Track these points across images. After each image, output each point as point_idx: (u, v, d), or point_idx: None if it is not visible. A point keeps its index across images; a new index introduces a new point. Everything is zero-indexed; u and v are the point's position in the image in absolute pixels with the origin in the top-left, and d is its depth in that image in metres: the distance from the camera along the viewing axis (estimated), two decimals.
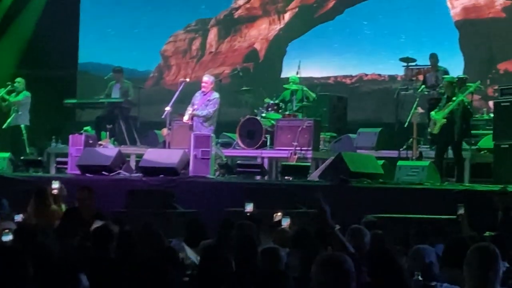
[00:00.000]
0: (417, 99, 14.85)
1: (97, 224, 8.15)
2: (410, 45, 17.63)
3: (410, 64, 16.14)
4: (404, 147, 14.74)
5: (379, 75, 18.67)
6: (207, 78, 15.08)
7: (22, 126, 16.49)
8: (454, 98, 13.67)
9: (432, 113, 13.92)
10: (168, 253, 6.90)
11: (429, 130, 14.15)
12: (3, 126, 16.61)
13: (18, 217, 8.82)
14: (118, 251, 6.73)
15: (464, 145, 14.45)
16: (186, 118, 14.71)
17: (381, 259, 5.60)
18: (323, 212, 6.17)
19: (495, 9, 17.70)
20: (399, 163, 13.54)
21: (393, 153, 14.77)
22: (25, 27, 20.39)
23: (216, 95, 14.86)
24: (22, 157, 15.80)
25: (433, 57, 15.74)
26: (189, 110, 14.76)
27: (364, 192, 12.15)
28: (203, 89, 14.86)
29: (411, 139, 14.44)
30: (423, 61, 16.02)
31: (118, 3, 21.07)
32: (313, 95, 16.10)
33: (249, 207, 9.58)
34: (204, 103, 14.72)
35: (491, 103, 15.75)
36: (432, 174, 13.06)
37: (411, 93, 15.64)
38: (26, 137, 16.50)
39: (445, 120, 13.60)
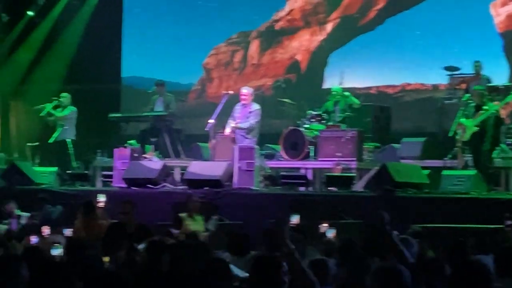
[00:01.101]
0: (462, 108, 14.76)
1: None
2: (454, 53, 17.52)
3: (454, 72, 16.05)
4: (449, 156, 14.64)
5: (422, 84, 18.56)
6: (246, 90, 15.08)
7: (68, 140, 16.66)
8: (485, 107, 13.58)
9: (463, 120, 13.84)
10: (215, 264, 6.92)
11: (457, 137, 14.05)
12: (50, 141, 16.80)
13: (67, 231, 8.91)
14: (169, 263, 6.76)
15: (510, 153, 14.34)
16: (227, 131, 14.72)
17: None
18: (381, 219, 6.09)
19: None
20: (445, 172, 13.46)
21: (438, 163, 14.67)
22: (70, 43, 20.66)
23: (257, 106, 14.86)
24: (68, 171, 15.99)
25: (477, 65, 15.64)
26: (230, 123, 14.76)
27: (410, 202, 12.10)
28: (243, 102, 14.84)
29: (456, 148, 14.35)
30: (467, 69, 15.93)
31: (160, 17, 21.21)
32: (357, 101, 16.05)
33: (295, 219, 9.58)
34: (246, 115, 14.72)
35: None
36: (478, 183, 12.97)
37: (455, 102, 15.55)
38: (72, 151, 16.67)
39: (477, 128, 13.53)
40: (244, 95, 14.86)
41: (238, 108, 14.86)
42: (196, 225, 11.52)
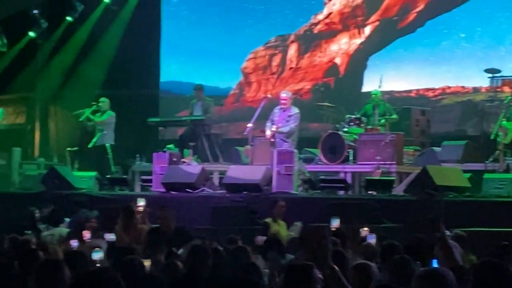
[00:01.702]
0: (503, 111, 14.58)
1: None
2: (495, 55, 17.34)
3: (495, 75, 15.89)
4: (491, 159, 14.48)
5: (463, 87, 18.39)
6: (285, 95, 15.08)
7: (107, 145, 16.72)
8: None
9: (504, 122, 13.69)
10: (252, 269, 6.88)
11: (498, 140, 13.89)
12: (89, 146, 16.88)
13: (109, 236, 8.92)
14: (211, 268, 6.75)
15: None
16: (268, 133, 14.71)
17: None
18: (438, 219, 5.97)
19: None
20: (486, 175, 13.32)
21: (479, 166, 14.52)
22: (108, 48, 20.77)
23: (296, 110, 14.85)
24: (107, 176, 16.04)
25: None
26: (269, 127, 14.75)
27: (451, 206, 11.96)
28: (282, 106, 14.84)
29: (497, 151, 14.18)
30: (509, 71, 15.76)
31: (198, 21, 21.25)
32: (395, 116, 15.88)
33: (336, 223, 9.50)
34: (285, 119, 14.70)
35: None
36: None
37: (496, 104, 15.38)
38: (111, 156, 16.73)
39: None
40: (284, 99, 14.86)
41: (276, 111, 14.86)
42: (280, 230, 11.47)
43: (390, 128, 15.43)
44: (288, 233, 11.43)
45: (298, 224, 11.37)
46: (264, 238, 10.27)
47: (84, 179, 15.79)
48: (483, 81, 17.02)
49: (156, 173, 15.10)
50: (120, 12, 20.80)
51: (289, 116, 14.72)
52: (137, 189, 15.85)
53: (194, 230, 10.70)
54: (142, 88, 20.66)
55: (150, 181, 15.29)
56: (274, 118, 14.83)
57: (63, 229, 10.96)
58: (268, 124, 14.82)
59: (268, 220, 11.69)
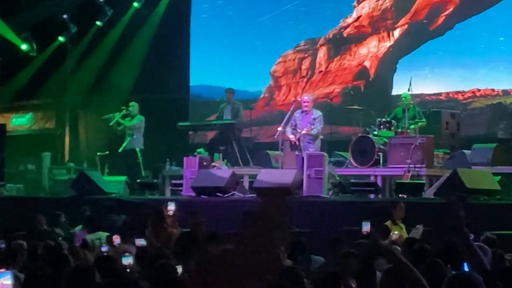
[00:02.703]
0: None
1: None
2: None
3: None
4: None
5: (492, 89, 18.29)
6: (307, 97, 15.06)
7: (137, 149, 16.77)
8: None
9: None
10: (285, 273, 6.88)
11: None
12: (119, 150, 16.93)
13: (140, 241, 8.96)
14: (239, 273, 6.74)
15: None
16: (292, 137, 14.67)
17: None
18: (461, 222, 5.93)
19: None
20: None
21: (509, 169, 14.43)
22: (138, 52, 20.86)
23: (319, 112, 14.83)
24: (138, 180, 16.09)
25: None
26: (290, 131, 14.67)
27: (482, 209, 11.89)
28: (305, 108, 14.79)
29: None
30: None
31: (228, 25, 21.29)
32: (424, 120, 15.79)
33: (366, 227, 9.48)
34: (309, 122, 14.66)
35: None
36: None
37: None
38: (141, 160, 16.78)
39: None
40: (306, 101, 14.82)
41: (298, 115, 14.79)
42: (401, 232, 11.32)
43: (420, 131, 15.36)
44: (410, 236, 11.26)
45: (420, 227, 11.19)
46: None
47: (114, 184, 15.84)
48: None
49: (186, 177, 15.13)
50: (149, 16, 20.88)
51: (314, 119, 14.67)
52: (167, 194, 15.89)
53: (225, 234, 10.71)
54: (172, 92, 20.73)
55: (180, 185, 15.32)
56: (296, 121, 14.76)
57: (103, 233, 11.00)
58: (289, 129, 14.75)
59: (388, 223, 11.44)
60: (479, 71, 18.28)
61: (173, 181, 16.01)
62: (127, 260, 7.29)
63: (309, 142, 14.60)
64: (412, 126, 15.46)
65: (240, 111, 16.96)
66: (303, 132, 14.54)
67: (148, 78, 20.51)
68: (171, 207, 11.24)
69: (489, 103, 18.34)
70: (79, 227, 12.44)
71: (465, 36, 18.50)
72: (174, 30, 20.82)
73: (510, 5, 18.01)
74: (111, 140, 18.11)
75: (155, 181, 16.34)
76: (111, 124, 16.99)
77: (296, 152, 14.62)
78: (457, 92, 18.73)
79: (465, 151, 15.62)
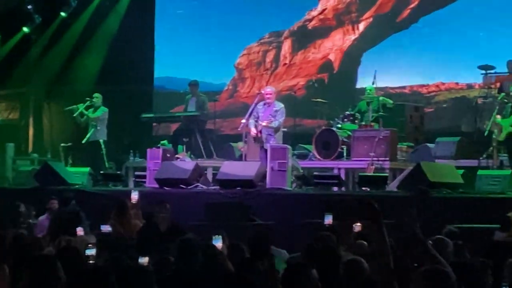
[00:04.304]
0: (497, 107, 14.58)
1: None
2: (488, 52, 17.35)
3: (488, 71, 15.90)
4: (484, 156, 14.50)
5: (457, 83, 18.42)
6: (270, 89, 15.03)
7: (101, 141, 16.71)
8: None
9: (499, 119, 13.71)
10: (248, 264, 6.89)
11: (493, 137, 13.91)
12: (83, 141, 16.85)
13: (107, 228, 8.94)
14: (202, 264, 6.74)
15: None
16: (253, 130, 14.64)
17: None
18: (412, 223, 5.96)
19: None
20: (480, 172, 13.33)
21: (472, 163, 14.54)
22: (102, 44, 20.75)
23: (281, 105, 14.80)
24: (101, 172, 16.02)
25: (511, 64, 15.46)
26: (252, 123, 14.64)
27: (444, 202, 11.98)
28: (268, 100, 14.75)
29: (491, 148, 14.20)
30: (502, 68, 15.77)
31: (192, 17, 21.23)
32: (390, 101, 15.96)
33: (329, 219, 9.51)
34: (271, 114, 14.64)
35: None
36: None
37: (490, 101, 15.41)
38: (105, 151, 16.72)
39: None
40: (269, 93, 14.78)
41: (260, 107, 14.75)
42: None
43: (384, 124, 15.43)
44: None
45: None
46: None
47: (77, 175, 15.74)
48: (477, 78, 17.04)
49: (150, 169, 15.09)
50: (114, 7, 20.76)
51: (276, 111, 14.63)
52: (131, 185, 15.84)
53: (188, 226, 10.70)
54: (136, 83, 20.62)
55: (143, 177, 15.28)
56: (258, 113, 14.72)
57: None
58: (252, 121, 14.72)
59: (510, 214, 11.08)
60: (443, 64, 18.39)
61: (137, 173, 15.97)
62: (90, 252, 7.25)
63: (270, 134, 14.57)
64: (374, 115, 15.50)
65: (206, 104, 16.95)
66: (263, 124, 14.52)
67: (112, 70, 20.40)
68: (135, 195, 11.24)
69: (453, 96, 18.46)
70: (42, 217, 12.38)
71: (430, 29, 18.60)
72: (138, 21, 20.71)
73: None
74: (74, 131, 18.00)
75: (118, 172, 16.28)
76: (74, 115, 16.90)
77: (259, 144, 14.62)
78: (421, 86, 18.83)
79: (428, 144, 15.72)
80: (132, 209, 11.02)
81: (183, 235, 7.98)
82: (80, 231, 9.05)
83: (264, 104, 14.73)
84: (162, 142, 16.21)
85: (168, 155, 15.34)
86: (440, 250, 7.10)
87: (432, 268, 4.76)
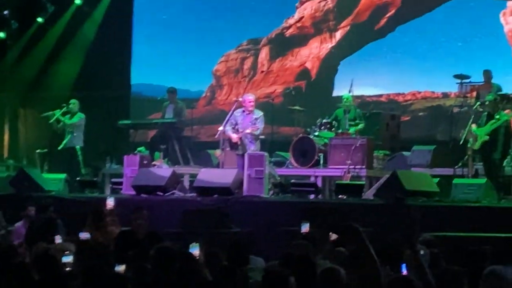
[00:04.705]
0: (472, 116, 14.69)
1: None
2: (464, 61, 17.49)
3: (464, 80, 16.01)
4: (460, 164, 14.58)
5: (432, 92, 18.54)
6: (252, 97, 15.06)
7: (77, 147, 16.67)
8: (497, 116, 13.55)
9: (474, 128, 13.80)
10: (226, 273, 6.90)
11: (468, 146, 14.00)
12: (58, 148, 16.79)
13: (84, 234, 8.92)
14: (180, 272, 6.74)
15: None
16: (234, 136, 14.65)
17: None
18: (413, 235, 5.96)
19: None
20: (455, 181, 13.40)
21: (448, 171, 14.62)
22: (79, 50, 20.69)
23: (261, 112, 14.85)
24: (77, 178, 15.96)
25: (487, 74, 15.59)
26: (231, 130, 14.65)
27: (420, 211, 12.02)
28: (250, 108, 14.78)
29: (466, 157, 14.29)
30: (477, 77, 15.90)
31: (170, 24, 21.22)
32: (362, 125, 15.81)
33: (305, 227, 9.53)
34: (251, 122, 14.68)
35: None
36: (488, 192, 12.90)
37: (465, 110, 15.51)
38: (81, 158, 16.68)
39: (488, 136, 13.50)
40: (251, 101, 14.82)
41: (239, 115, 14.76)
42: None
43: (360, 132, 15.49)
44: None
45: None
46: None
47: (53, 181, 15.67)
48: (452, 87, 17.14)
49: (127, 175, 15.07)
50: (91, 13, 20.70)
51: (255, 119, 14.68)
52: (107, 192, 15.79)
53: (166, 233, 10.68)
54: (113, 90, 20.58)
55: (120, 183, 15.25)
56: (237, 121, 14.73)
57: None
58: (229, 128, 14.72)
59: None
60: (419, 73, 18.51)
61: (113, 180, 15.93)
62: (67, 259, 7.23)
63: (251, 142, 14.62)
64: (352, 129, 15.56)
65: (184, 111, 16.98)
66: (248, 131, 14.53)
67: (89, 76, 20.34)
68: (111, 201, 11.20)
69: (428, 105, 18.58)
70: (19, 224, 12.33)
71: (406, 38, 18.71)
72: (116, 27, 20.68)
73: (451, 8, 18.26)
74: (51, 137, 17.92)
75: (95, 179, 16.23)
76: (50, 121, 16.84)
77: (237, 152, 14.64)
78: (398, 94, 18.93)
79: (404, 152, 15.80)
80: (109, 216, 10.96)
81: (160, 243, 7.98)
82: (57, 238, 9.02)
83: (243, 111, 14.76)
84: (139, 148, 16.19)
85: (145, 162, 15.33)
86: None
87: (397, 277, 4.79)
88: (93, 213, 10.63)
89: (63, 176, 15.91)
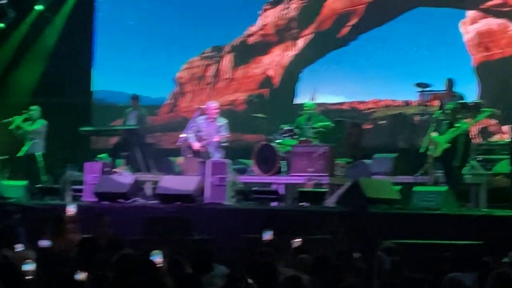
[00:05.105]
0: (433, 124, 14.80)
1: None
2: (425, 70, 17.63)
3: (424, 89, 16.13)
4: (420, 172, 14.69)
5: (393, 100, 18.68)
6: (215, 105, 15.06)
7: (38, 154, 16.55)
8: (457, 124, 13.68)
9: (435, 136, 13.91)
10: (189, 281, 6.89)
11: (428, 153, 14.11)
12: (19, 154, 16.66)
13: (44, 242, 8.86)
14: (142, 280, 6.72)
15: (480, 170, 14.46)
16: (197, 145, 14.63)
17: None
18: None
19: (509, 34, 17.70)
20: (416, 188, 13.49)
21: (409, 179, 14.71)
22: (41, 55, 20.54)
23: (225, 120, 14.86)
24: (38, 185, 15.84)
25: (449, 83, 15.72)
26: (193, 138, 14.62)
27: (382, 218, 12.10)
28: (214, 116, 14.77)
29: (427, 164, 14.39)
30: (438, 86, 16.03)
31: (132, 30, 21.16)
32: (328, 123, 16.02)
33: (268, 235, 9.55)
34: (216, 129, 14.68)
35: (506, 128, 15.74)
36: (449, 200, 12.99)
37: (426, 118, 15.63)
38: (42, 165, 16.56)
39: (448, 144, 13.62)
40: (216, 108, 14.83)
41: (202, 122, 14.74)
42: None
43: (322, 140, 15.55)
44: None
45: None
46: None
47: (13, 188, 15.55)
48: (413, 95, 17.27)
49: (88, 183, 14.99)
50: (53, 19, 20.58)
51: (220, 126, 14.68)
52: (68, 199, 15.68)
53: (128, 241, 10.63)
54: (75, 96, 20.47)
55: (81, 190, 15.17)
56: (200, 129, 14.71)
57: None
58: (192, 135, 14.69)
59: None
60: (381, 81, 18.62)
61: (74, 187, 15.82)
62: (28, 267, 7.17)
63: (216, 150, 14.62)
64: (313, 131, 15.58)
65: (146, 117, 16.96)
66: (215, 139, 14.50)
67: (50, 82, 20.21)
68: (72, 208, 11.14)
69: (390, 113, 18.69)
70: None
71: (368, 47, 18.83)
72: (77, 34, 20.58)
73: (412, 17, 18.41)
74: (11, 144, 17.75)
75: (55, 186, 16.11)
76: (11, 128, 16.70)
77: (200, 159, 14.62)
78: (359, 102, 19.04)
79: (366, 160, 15.88)
80: (70, 223, 10.90)
81: (122, 250, 7.95)
82: (18, 246, 8.94)
83: (207, 118, 14.74)
84: (100, 155, 16.12)
85: (107, 169, 15.28)
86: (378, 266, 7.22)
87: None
88: (53, 220, 10.57)
89: (23, 183, 15.79)
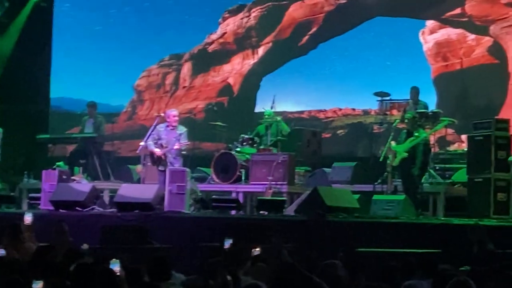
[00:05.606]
0: (392, 133, 14.86)
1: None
2: (385, 79, 17.73)
3: (384, 98, 16.21)
4: (379, 181, 14.73)
5: (353, 109, 18.76)
6: (175, 112, 14.94)
7: None
8: (416, 134, 13.74)
9: (393, 145, 13.97)
10: None
11: (387, 162, 14.17)
12: None
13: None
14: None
15: (438, 179, 14.54)
16: (158, 151, 14.51)
17: None
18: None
19: (467, 44, 17.87)
20: (375, 197, 13.53)
21: (368, 187, 14.75)
22: None
23: (184, 128, 14.76)
24: None
25: (415, 91, 15.77)
26: (153, 145, 14.50)
27: (341, 227, 12.10)
28: (174, 124, 14.67)
29: (386, 173, 14.44)
30: (397, 95, 16.11)
31: (91, 37, 21.03)
32: (287, 128, 16.09)
33: (227, 243, 9.50)
34: (176, 137, 14.59)
35: (464, 137, 15.85)
36: (407, 208, 13.06)
37: (385, 127, 15.70)
38: None
39: (406, 153, 13.68)
40: (176, 116, 14.71)
41: (162, 129, 14.63)
42: None
43: (282, 148, 15.55)
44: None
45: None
46: None
47: None
48: (372, 104, 17.35)
49: (45, 190, 14.84)
50: (10, 25, 20.37)
51: (180, 134, 14.59)
52: (25, 207, 15.52)
53: (84, 249, 10.52)
54: (32, 103, 20.26)
55: (38, 198, 15.00)
56: (161, 136, 14.60)
57: None
58: (151, 143, 14.56)
59: None
60: (340, 90, 18.72)
61: (31, 195, 15.67)
62: None
63: (175, 158, 14.52)
64: (272, 139, 15.59)
65: (102, 125, 16.80)
66: (176, 147, 14.38)
67: (7, 89, 19.97)
68: (29, 217, 11.01)
69: (349, 122, 18.78)
70: None
71: (328, 55, 18.90)
72: (35, 40, 20.38)
73: (372, 27, 18.51)
74: None
75: (11, 194, 15.93)
76: None
77: (160, 167, 14.51)
78: (319, 111, 19.09)
79: (325, 169, 15.89)
80: (26, 231, 10.78)
81: (80, 259, 7.85)
82: None
83: (167, 126, 14.63)
84: (58, 163, 15.97)
85: (64, 176, 15.12)
86: (334, 274, 7.19)
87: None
88: (9, 228, 10.43)
89: None
